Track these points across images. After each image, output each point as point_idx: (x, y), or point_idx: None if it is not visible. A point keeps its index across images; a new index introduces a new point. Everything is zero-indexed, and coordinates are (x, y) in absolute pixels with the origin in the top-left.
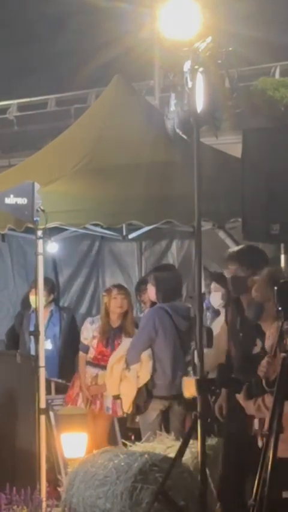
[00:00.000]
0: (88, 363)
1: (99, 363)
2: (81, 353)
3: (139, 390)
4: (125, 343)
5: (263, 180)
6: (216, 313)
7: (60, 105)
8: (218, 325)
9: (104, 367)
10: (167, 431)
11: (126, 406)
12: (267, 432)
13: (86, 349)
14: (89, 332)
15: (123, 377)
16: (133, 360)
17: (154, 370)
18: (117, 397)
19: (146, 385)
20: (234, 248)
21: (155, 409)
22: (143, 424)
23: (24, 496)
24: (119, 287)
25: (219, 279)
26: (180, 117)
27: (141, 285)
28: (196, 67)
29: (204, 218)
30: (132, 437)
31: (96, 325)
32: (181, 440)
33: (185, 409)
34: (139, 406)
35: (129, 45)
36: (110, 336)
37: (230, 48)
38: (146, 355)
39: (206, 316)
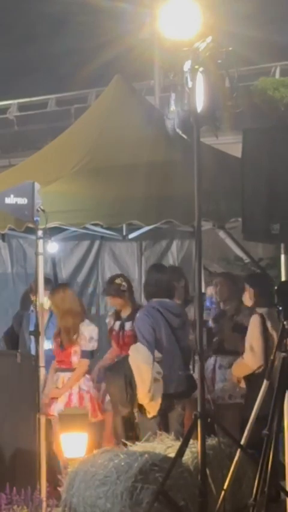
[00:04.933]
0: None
1: (60, 366)
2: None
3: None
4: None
5: (263, 180)
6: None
7: (60, 105)
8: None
9: (63, 370)
10: (167, 430)
11: (155, 409)
12: (267, 432)
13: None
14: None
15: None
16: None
17: None
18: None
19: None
20: None
21: None
22: (141, 424)
23: (25, 496)
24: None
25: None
26: (180, 117)
27: None
28: (196, 67)
29: (204, 218)
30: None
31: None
32: (181, 440)
33: (183, 408)
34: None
35: (129, 45)
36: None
37: (230, 48)
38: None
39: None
